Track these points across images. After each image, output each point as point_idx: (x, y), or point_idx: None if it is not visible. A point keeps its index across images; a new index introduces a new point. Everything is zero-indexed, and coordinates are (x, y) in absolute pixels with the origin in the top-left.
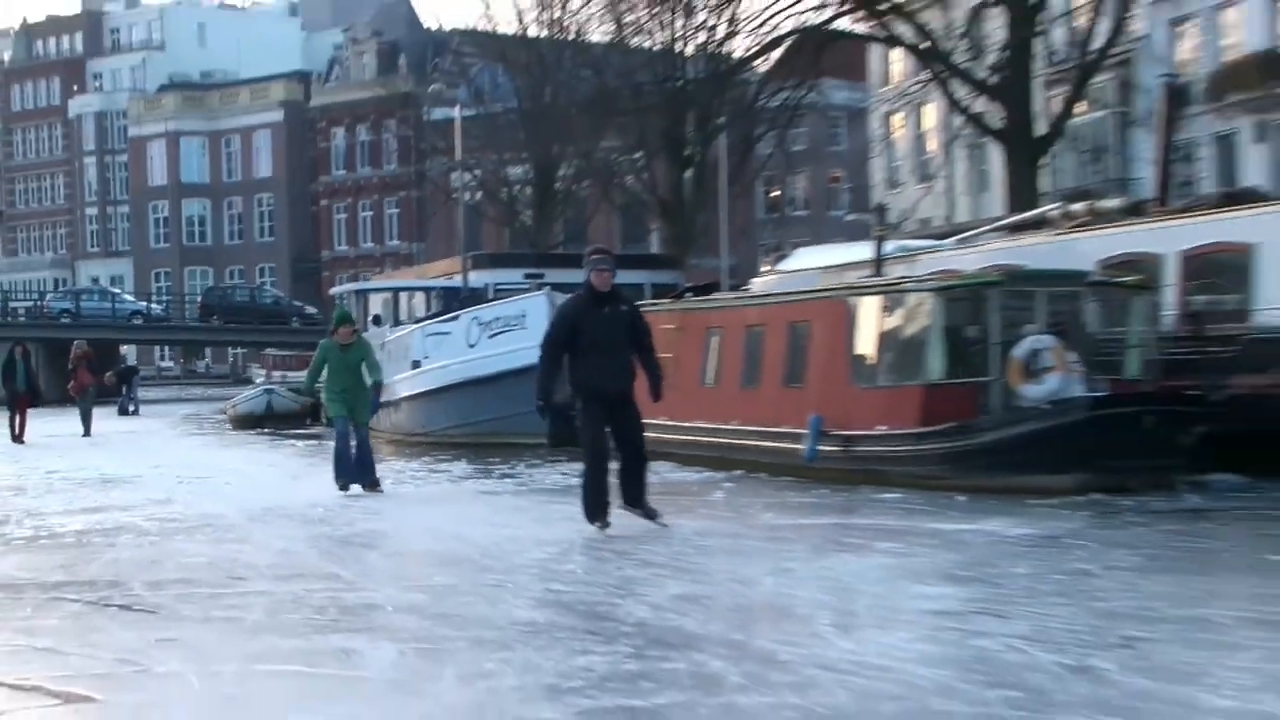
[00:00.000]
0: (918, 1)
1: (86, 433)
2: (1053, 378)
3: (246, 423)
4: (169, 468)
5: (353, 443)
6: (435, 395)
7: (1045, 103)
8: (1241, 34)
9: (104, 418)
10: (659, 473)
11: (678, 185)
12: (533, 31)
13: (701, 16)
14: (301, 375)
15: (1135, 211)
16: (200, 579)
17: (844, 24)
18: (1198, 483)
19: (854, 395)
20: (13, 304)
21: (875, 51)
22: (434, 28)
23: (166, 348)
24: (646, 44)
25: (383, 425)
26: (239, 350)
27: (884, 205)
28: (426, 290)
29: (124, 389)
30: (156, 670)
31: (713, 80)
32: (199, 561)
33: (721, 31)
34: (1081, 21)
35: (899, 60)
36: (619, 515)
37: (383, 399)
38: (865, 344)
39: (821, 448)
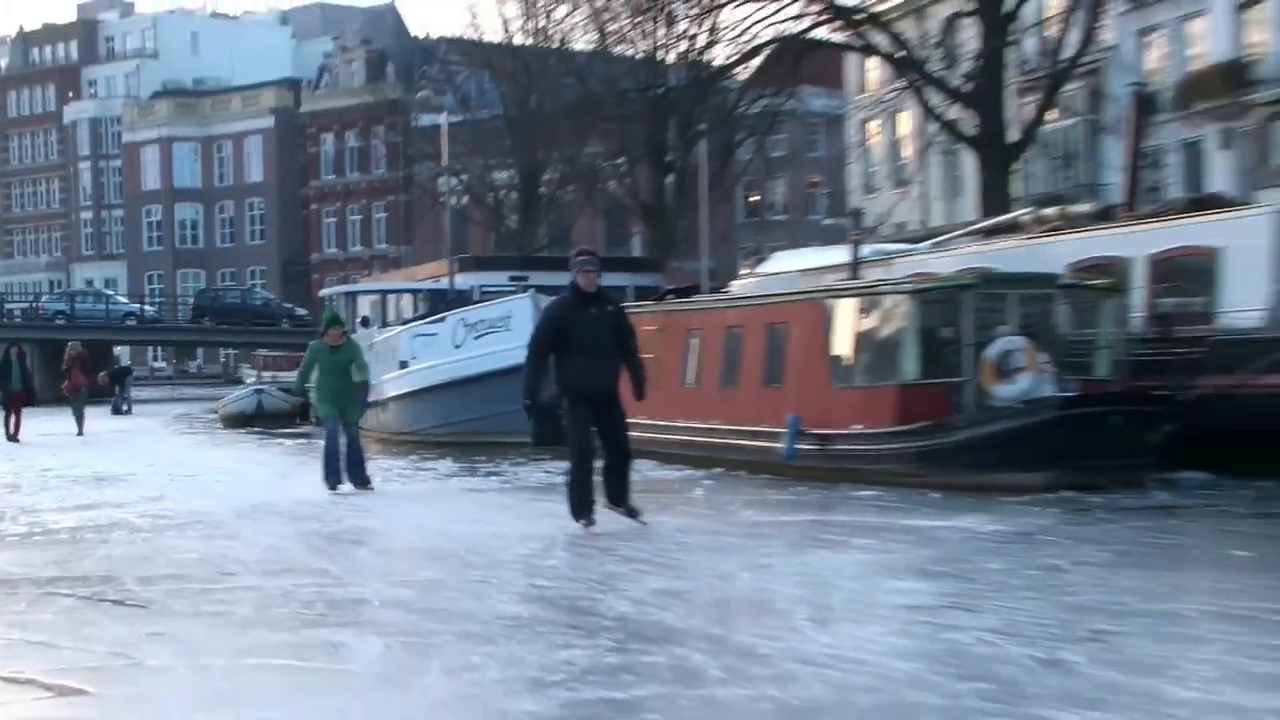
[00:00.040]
0: (893, 11)
1: (80, 432)
2: (1024, 378)
3: (237, 422)
4: (161, 466)
5: (343, 441)
6: (422, 395)
7: (1017, 110)
8: (1207, 44)
9: (97, 417)
10: (641, 471)
11: (660, 190)
12: (518, 40)
13: (683, 26)
14: (292, 375)
15: (1105, 216)
16: (191, 574)
17: (822, 33)
18: (1166, 480)
19: (831, 395)
20: (8, 306)
21: (852, 60)
22: (421, 36)
23: (159, 348)
24: (629, 52)
25: (370, 424)
26: (230, 351)
27: (860, 210)
28: (414, 292)
29: (117, 389)
30: (148, 663)
31: (694, 88)
32: (190, 557)
33: (702, 40)
34: (1053, 31)
35: (875, 69)
36: (602, 513)
37: (371, 399)
38: (842, 345)
39: (800, 446)
